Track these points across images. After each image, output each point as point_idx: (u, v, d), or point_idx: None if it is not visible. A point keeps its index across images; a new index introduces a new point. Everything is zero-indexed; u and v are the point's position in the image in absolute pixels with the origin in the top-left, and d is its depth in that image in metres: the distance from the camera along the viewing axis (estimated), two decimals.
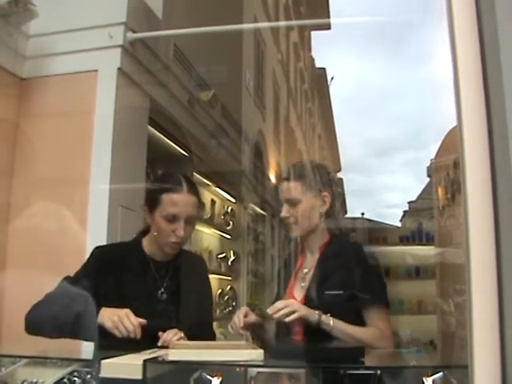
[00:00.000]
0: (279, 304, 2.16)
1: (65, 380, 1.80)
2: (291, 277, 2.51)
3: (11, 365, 1.91)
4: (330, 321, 2.16)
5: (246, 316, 2.29)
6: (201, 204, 2.49)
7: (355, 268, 2.31)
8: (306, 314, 2.15)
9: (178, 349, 1.86)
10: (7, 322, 3.66)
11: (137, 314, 2.13)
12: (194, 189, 2.41)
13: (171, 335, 2.15)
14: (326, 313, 2.19)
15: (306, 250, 2.49)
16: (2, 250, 3.98)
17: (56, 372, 1.84)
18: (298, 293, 2.41)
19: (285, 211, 2.41)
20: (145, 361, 1.62)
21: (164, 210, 2.32)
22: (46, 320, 2.20)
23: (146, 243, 2.47)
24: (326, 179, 2.48)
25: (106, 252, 2.49)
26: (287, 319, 2.12)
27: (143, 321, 2.11)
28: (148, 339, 2.10)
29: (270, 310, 2.16)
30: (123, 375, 1.62)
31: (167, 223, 2.33)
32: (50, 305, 2.24)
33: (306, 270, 2.44)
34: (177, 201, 2.32)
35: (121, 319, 2.08)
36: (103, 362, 1.67)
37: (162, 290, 2.40)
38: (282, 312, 2.12)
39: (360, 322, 2.27)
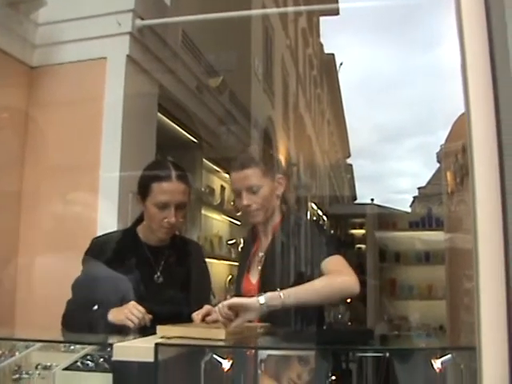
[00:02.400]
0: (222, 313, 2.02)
1: (78, 364, 1.83)
2: (247, 262, 2.53)
3: (25, 349, 1.94)
4: (278, 293, 2.06)
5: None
6: (191, 190, 2.55)
7: (306, 236, 2.38)
8: (243, 303, 2.03)
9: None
10: (20, 307, 3.70)
11: (135, 298, 2.27)
12: (183, 176, 2.47)
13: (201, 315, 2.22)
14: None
15: (260, 234, 2.52)
16: (15, 237, 4.01)
17: (69, 356, 1.87)
18: (254, 276, 2.45)
19: (246, 200, 2.39)
20: (156, 344, 1.64)
21: (154, 198, 2.40)
22: (79, 327, 2.29)
23: (141, 230, 2.55)
24: (277, 162, 2.54)
25: (103, 241, 2.58)
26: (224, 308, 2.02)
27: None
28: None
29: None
30: (135, 358, 1.65)
31: (158, 210, 2.40)
32: (77, 315, 2.35)
33: (261, 254, 2.48)
34: (166, 189, 2.39)
35: (130, 310, 2.18)
36: (115, 345, 1.69)
37: (158, 273, 2.48)
38: (222, 304, 2.01)
39: None
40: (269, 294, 2.05)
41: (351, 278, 2.18)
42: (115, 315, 2.22)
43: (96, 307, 2.29)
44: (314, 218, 10.38)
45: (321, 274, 2.23)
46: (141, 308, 2.20)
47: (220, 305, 2.01)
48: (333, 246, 2.39)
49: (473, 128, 1.38)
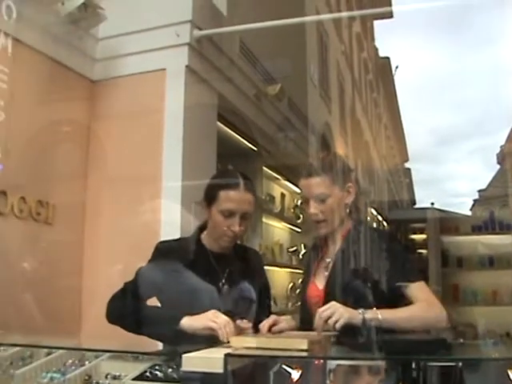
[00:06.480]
0: (326, 312, 2.07)
1: (147, 373, 1.85)
2: (313, 268, 2.52)
3: (94, 358, 1.97)
4: (377, 315, 2.10)
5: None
6: (256, 201, 2.53)
7: (381, 251, 2.30)
8: (350, 317, 2.07)
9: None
10: (86, 317, 3.76)
11: (200, 306, 2.25)
12: (250, 186, 2.47)
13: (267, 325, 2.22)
14: (348, 300, 2.14)
15: (328, 241, 2.49)
16: (79, 248, 4.09)
17: (138, 366, 1.89)
18: (321, 281, 2.42)
19: (313, 208, 2.38)
20: (226, 354, 1.63)
21: (221, 206, 2.39)
22: (124, 312, 2.33)
23: (204, 237, 2.55)
24: (348, 170, 2.50)
25: (168, 246, 2.58)
26: (336, 326, 2.04)
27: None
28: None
29: (319, 317, 2.07)
30: (204, 369, 1.64)
31: (223, 218, 2.39)
32: (128, 298, 2.37)
33: (328, 260, 2.45)
34: (233, 197, 2.39)
35: (213, 317, 2.14)
36: (184, 356, 1.69)
37: (224, 281, 2.46)
38: (332, 320, 2.04)
39: (390, 304, 2.21)
40: (369, 313, 2.08)
41: (443, 312, 2.20)
42: (193, 321, 2.17)
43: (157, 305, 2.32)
44: (385, 228, 10.24)
45: (404, 298, 2.23)
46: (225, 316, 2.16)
47: (337, 325, 2.03)
48: (414, 270, 2.38)
49: None
